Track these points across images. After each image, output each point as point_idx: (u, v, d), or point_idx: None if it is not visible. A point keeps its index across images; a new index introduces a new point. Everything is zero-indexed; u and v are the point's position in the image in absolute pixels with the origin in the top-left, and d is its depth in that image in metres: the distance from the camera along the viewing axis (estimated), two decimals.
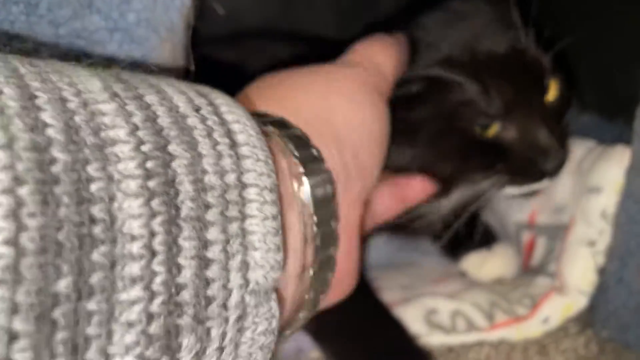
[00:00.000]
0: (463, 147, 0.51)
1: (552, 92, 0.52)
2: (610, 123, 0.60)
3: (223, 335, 0.22)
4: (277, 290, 0.26)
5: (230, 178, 0.23)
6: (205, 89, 0.28)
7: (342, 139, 0.33)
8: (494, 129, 0.50)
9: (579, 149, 0.56)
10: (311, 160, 0.29)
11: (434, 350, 0.49)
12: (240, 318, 0.23)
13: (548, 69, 0.51)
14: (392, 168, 0.47)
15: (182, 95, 0.25)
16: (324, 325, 0.48)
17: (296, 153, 0.29)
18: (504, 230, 0.62)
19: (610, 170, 0.49)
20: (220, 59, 0.65)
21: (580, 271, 0.50)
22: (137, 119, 0.22)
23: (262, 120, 0.31)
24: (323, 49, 0.64)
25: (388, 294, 0.53)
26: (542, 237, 0.58)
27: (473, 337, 0.50)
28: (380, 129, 0.37)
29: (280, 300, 0.26)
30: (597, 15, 0.58)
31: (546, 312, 0.50)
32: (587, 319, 0.52)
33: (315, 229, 0.28)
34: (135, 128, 0.21)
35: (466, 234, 0.57)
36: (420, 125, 0.51)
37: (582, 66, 0.58)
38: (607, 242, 0.49)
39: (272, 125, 0.30)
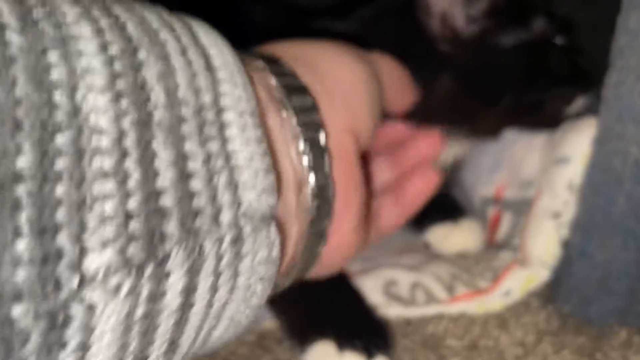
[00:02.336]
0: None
1: None
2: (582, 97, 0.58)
3: (219, 256, 0.21)
4: (276, 219, 0.24)
5: (206, 98, 0.22)
6: (181, 16, 0.25)
7: (325, 73, 0.31)
8: None
9: None
10: (290, 83, 0.28)
11: (391, 323, 0.47)
12: (237, 241, 0.22)
13: None
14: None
15: (154, 14, 0.23)
16: (279, 293, 0.46)
17: (274, 78, 0.28)
18: (469, 204, 0.60)
19: (579, 140, 0.47)
20: None
21: (543, 243, 0.48)
22: (104, 23, 0.20)
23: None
24: (298, 15, 0.63)
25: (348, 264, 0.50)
26: (508, 212, 0.56)
27: (432, 309, 0.48)
28: (372, 91, 0.34)
29: (281, 234, 0.25)
30: None
31: (508, 284, 0.48)
32: (549, 294, 0.50)
33: (303, 145, 0.27)
34: (100, 30, 0.20)
35: (433, 207, 0.55)
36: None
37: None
38: (572, 214, 0.47)
39: (251, 55, 0.29)
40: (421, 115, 0.46)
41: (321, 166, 0.28)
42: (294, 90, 0.28)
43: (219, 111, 0.22)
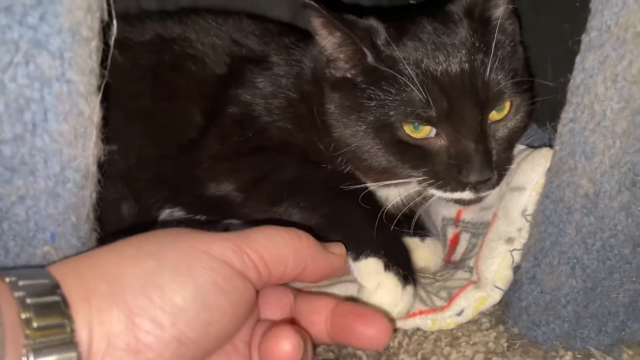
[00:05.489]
0: (392, 143, 0.52)
1: (503, 112, 0.52)
2: (540, 129, 0.60)
3: None
4: None
5: None
6: None
7: (121, 305, 0.30)
8: (424, 132, 0.51)
9: None
10: (54, 331, 0.28)
11: None
12: None
13: (500, 91, 0.51)
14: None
15: None
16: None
17: (34, 324, 0.28)
18: (432, 223, 0.61)
19: (534, 170, 0.48)
20: None
21: (496, 267, 0.48)
22: None
23: (26, 282, 0.29)
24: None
25: None
26: (466, 233, 0.57)
27: None
28: (212, 304, 0.33)
29: None
30: (529, 31, 0.59)
31: (461, 304, 0.48)
32: (500, 315, 0.51)
33: None
34: None
35: (404, 222, 0.57)
36: (361, 115, 0.53)
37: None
38: (525, 241, 0.48)
39: (29, 290, 0.29)
40: None
41: None
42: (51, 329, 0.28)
43: None
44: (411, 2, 0.73)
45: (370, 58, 0.52)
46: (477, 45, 0.51)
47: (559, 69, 0.55)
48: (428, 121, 0.50)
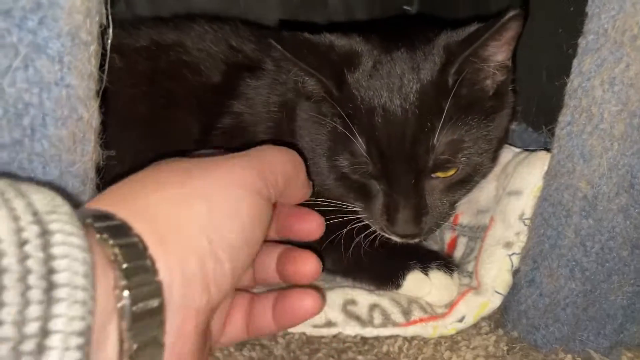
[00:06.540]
0: (341, 174, 0.52)
1: (449, 173, 0.50)
2: (536, 132, 0.60)
3: None
4: None
5: (31, 328, 0.22)
6: (53, 204, 0.26)
7: (191, 247, 0.31)
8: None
9: (505, 155, 0.55)
10: (141, 272, 0.28)
11: (348, 341, 0.47)
12: None
13: (447, 160, 0.49)
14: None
15: (13, 223, 0.23)
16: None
17: (124, 265, 0.27)
18: None
19: (531, 174, 0.48)
20: None
21: (495, 272, 0.48)
22: None
23: (102, 224, 0.28)
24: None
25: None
26: (464, 237, 0.57)
27: (388, 331, 0.48)
28: (251, 236, 0.35)
29: None
30: (524, 36, 0.59)
31: (462, 310, 0.48)
32: (499, 318, 0.51)
33: (131, 343, 0.27)
34: None
35: None
36: (320, 136, 0.53)
37: (515, 80, 0.58)
38: (523, 244, 0.48)
39: (109, 232, 0.28)
40: None
41: (150, 341, 0.28)
42: (138, 270, 0.28)
43: (44, 336, 0.22)
44: (405, 7, 0.73)
45: (335, 93, 0.50)
46: (438, 100, 0.48)
47: (554, 73, 0.56)
48: (367, 173, 0.50)
